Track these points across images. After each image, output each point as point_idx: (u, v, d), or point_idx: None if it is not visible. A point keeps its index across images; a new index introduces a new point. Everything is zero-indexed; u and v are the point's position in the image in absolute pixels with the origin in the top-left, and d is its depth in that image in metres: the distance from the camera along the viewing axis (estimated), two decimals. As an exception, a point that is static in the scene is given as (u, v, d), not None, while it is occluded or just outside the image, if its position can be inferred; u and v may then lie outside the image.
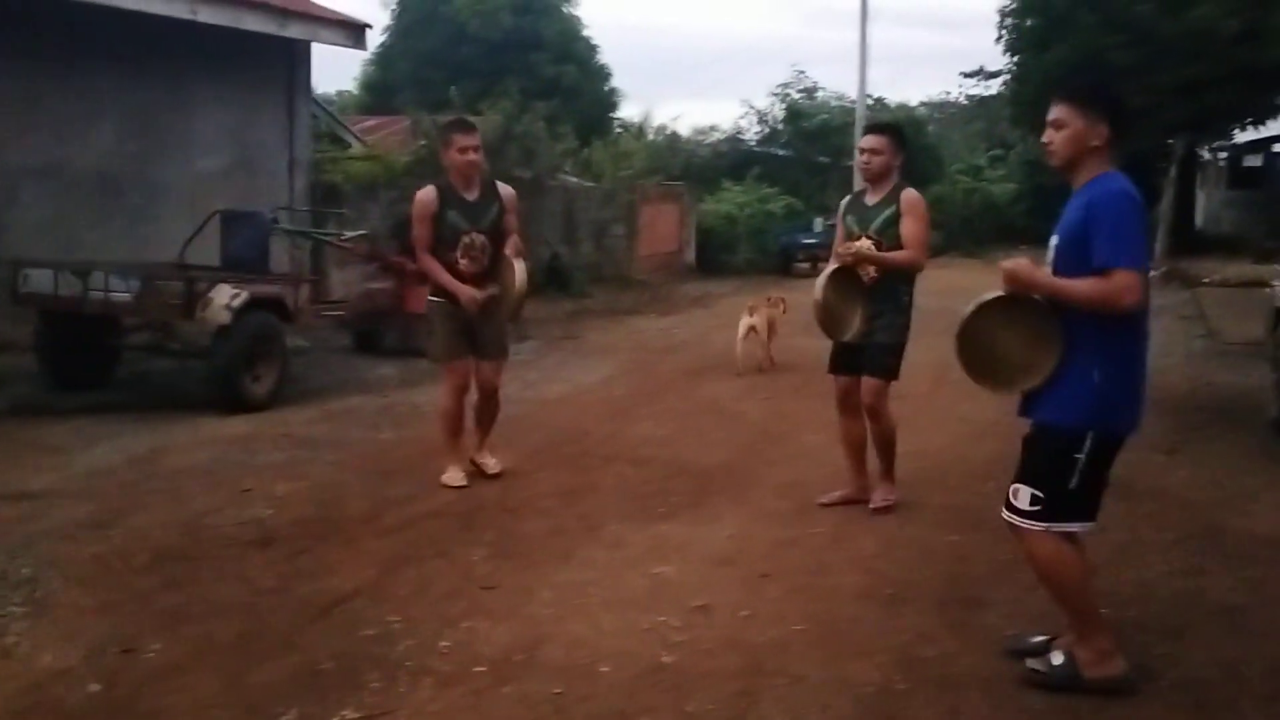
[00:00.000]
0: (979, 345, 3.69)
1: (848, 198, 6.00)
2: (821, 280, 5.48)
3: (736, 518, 5.60)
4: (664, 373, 10.39)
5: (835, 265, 5.53)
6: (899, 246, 5.51)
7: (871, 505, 5.74)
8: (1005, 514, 3.71)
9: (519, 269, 6.01)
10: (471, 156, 5.99)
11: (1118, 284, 3.42)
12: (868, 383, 5.65)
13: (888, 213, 5.54)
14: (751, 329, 10.65)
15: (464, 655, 3.87)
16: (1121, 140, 3.63)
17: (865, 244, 5.50)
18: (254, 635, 4.02)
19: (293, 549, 4.97)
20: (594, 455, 6.89)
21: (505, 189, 6.21)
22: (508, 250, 6.07)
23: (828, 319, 5.53)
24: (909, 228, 5.50)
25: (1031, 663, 3.77)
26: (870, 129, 5.96)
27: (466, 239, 5.98)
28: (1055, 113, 3.66)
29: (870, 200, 5.66)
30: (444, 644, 3.95)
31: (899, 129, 6.01)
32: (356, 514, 5.55)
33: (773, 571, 4.77)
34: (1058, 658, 3.72)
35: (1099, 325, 3.51)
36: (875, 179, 5.66)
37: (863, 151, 5.71)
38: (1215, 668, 3.88)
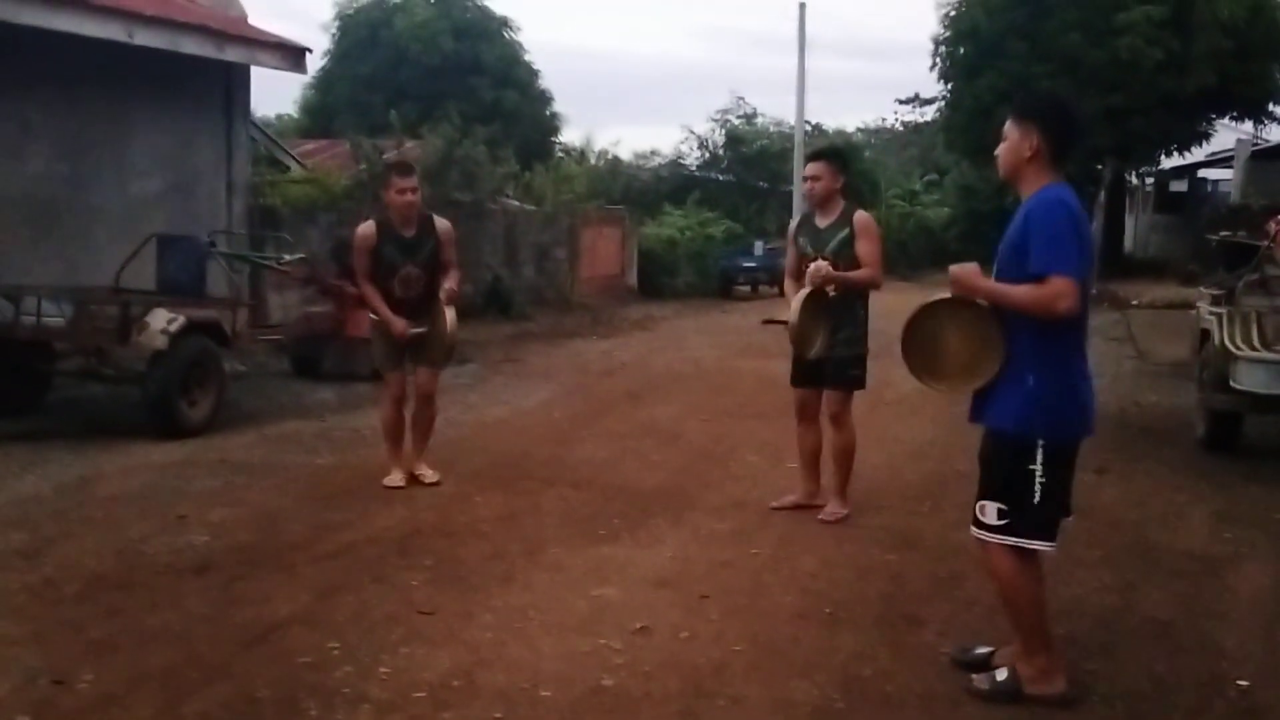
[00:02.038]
0: (924, 344, 3.80)
1: (797, 219, 6.29)
2: (796, 304, 5.69)
3: (676, 539, 5.62)
4: (605, 395, 10.41)
5: (807, 289, 5.71)
6: (854, 266, 5.78)
7: (820, 517, 5.94)
8: (973, 530, 3.77)
9: (449, 316, 6.38)
10: (409, 197, 6.37)
11: (1053, 290, 3.49)
12: (831, 394, 5.97)
13: (842, 235, 5.81)
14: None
15: (403, 681, 3.84)
16: (1061, 150, 3.69)
17: (823, 265, 5.71)
18: (189, 664, 3.96)
19: (228, 576, 4.91)
20: (534, 478, 6.88)
21: (442, 224, 6.55)
22: (441, 295, 6.40)
23: (799, 339, 5.75)
24: (865, 248, 5.79)
25: (976, 679, 3.84)
26: (810, 156, 6.33)
27: (402, 271, 6.37)
28: (1004, 129, 3.77)
29: (821, 223, 5.92)
30: (382, 670, 3.93)
31: (838, 153, 6.44)
32: (293, 540, 5.49)
33: (712, 592, 4.80)
34: (1001, 674, 3.80)
35: (1035, 331, 3.59)
36: (820, 203, 5.94)
37: (806, 179, 6.04)
38: (1145, 681, 3.97)
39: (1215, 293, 8.11)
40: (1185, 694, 3.89)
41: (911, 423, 8.79)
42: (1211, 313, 7.82)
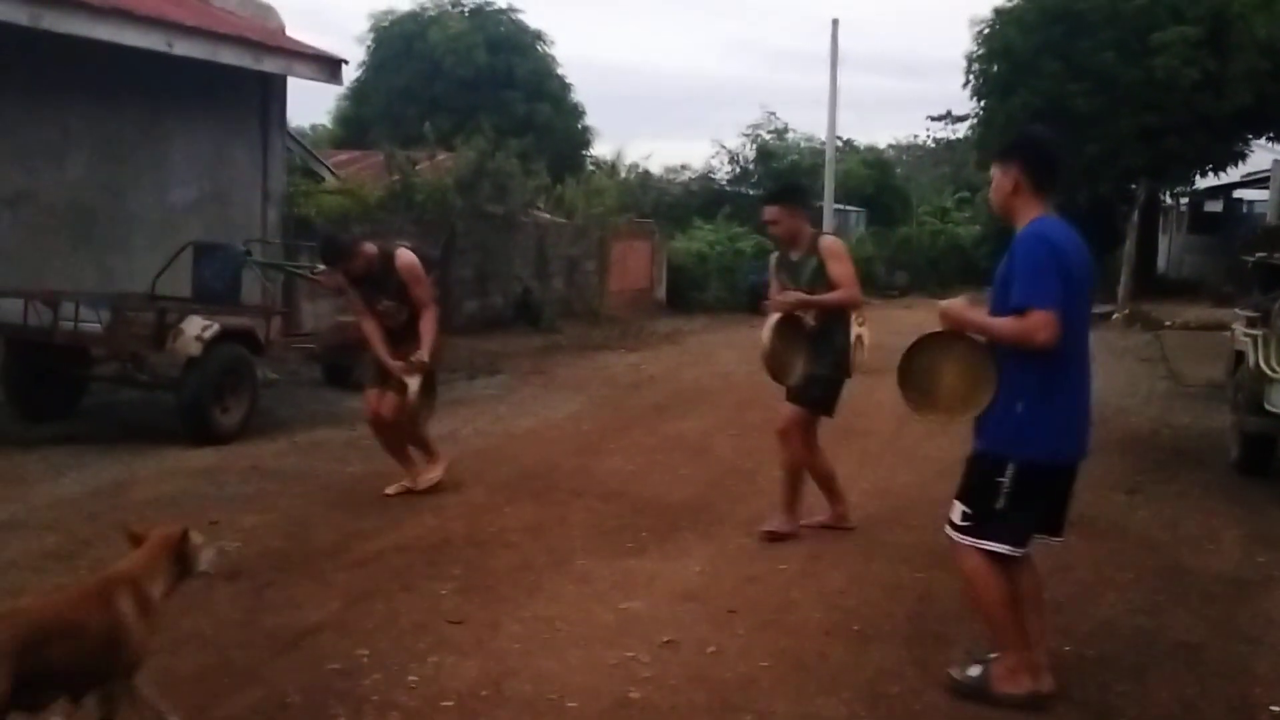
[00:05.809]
0: (920, 378, 3.95)
1: (775, 255, 6.22)
2: (767, 329, 5.70)
3: (704, 553, 5.63)
4: (633, 408, 10.42)
5: (777, 315, 5.72)
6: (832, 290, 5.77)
7: (761, 528, 5.89)
8: (946, 528, 3.98)
9: (412, 385, 6.47)
10: (359, 264, 6.53)
11: (1032, 323, 3.67)
12: (785, 408, 5.90)
13: (812, 265, 5.84)
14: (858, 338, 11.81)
15: (431, 690, 3.87)
16: (1041, 179, 3.85)
17: (791, 294, 5.76)
18: (219, 668, 4.01)
19: (259, 581, 4.96)
20: (562, 489, 6.90)
21: (401, 260, 6.58)
22: (416, 355, 6.49)
23: (775, 365, 5.75)
24: (836, 270, 5.80)
25: (951, 669, 3.99)
26: (762, 200, 6.48)
27: (379, 306, 6.63)
28: (990, 172, 4.00)
29: (795, 256, 5.96)
30: (411, 678, 3.95)
31: (789, 191, 6.46)
32: (323, 547, 5.54)
33: (740, 607, 4.80)
34: (974, 669, 3.94)
35: (1023, 360, 3.75)
36: (789, 241, 5.97)
37: (765, 223, 6.16)
38: (1176, 705, 3.95)
39: (1250, 314, 8.04)
40: (1216, 719, 3.86)
41: (941, 441, 8.70)
42: (1246, 335, 7.76)
